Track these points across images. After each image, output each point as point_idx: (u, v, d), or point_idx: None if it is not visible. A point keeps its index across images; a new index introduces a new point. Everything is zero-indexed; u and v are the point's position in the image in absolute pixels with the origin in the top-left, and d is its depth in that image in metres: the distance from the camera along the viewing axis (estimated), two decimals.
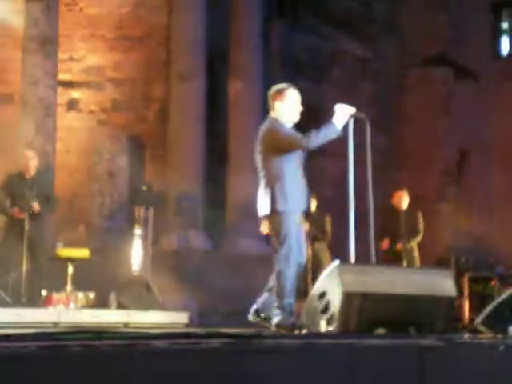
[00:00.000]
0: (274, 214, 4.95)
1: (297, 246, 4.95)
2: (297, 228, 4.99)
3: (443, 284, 4.75)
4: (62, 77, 10.13)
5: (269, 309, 5.00)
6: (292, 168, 5.00)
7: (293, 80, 12.09)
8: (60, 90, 10.06)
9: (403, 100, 13.00)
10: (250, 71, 10.68)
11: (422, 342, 3.66)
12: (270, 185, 4.97)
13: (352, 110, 5.05)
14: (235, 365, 3.16)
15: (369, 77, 13.08)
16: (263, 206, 5.01)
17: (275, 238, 4.99)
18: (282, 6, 11.86)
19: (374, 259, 4.98)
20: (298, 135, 5.02)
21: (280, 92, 5.09)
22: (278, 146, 4.98)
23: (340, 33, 12.64)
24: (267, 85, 11.14)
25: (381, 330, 4.38)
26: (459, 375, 3.68)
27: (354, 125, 5.35)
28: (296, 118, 5.13)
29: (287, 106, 5.06)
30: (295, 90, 5.12)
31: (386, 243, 8.20)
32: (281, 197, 4.92)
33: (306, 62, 12.38)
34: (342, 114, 5.03)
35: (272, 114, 5.13)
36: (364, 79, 13.01)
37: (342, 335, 4.14)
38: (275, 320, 4.88)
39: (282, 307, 4.86)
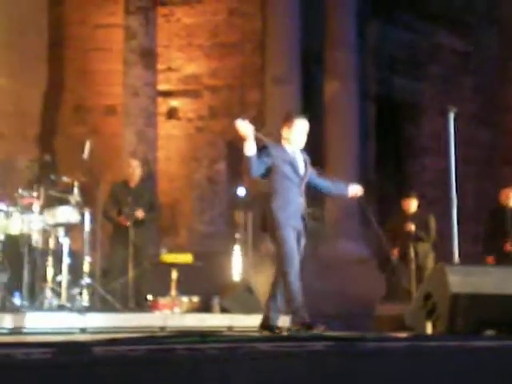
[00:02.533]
0: None
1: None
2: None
3: None
4: (161, 87, 10.38)
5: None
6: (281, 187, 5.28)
7: (389, 78, 12.00)
8: (159, 99, 10.32)
9: (506, 92, 12.56)
10: (345, 71, 10.60)
11: None
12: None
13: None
14: (339, 367, 3.13)
15: (469, 71, 12.73)
16: None
17: None
18: (376, 3, 11.71)
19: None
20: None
21: (289, 119, 5.40)
22: None
23: (437, 27, 12.36)
24: (363, 84, 11.11)
25: (490, 332, 4.24)
26: None
27: (455, 121, 5.22)
28: (300, 145, 5.40)
29: (293, 135, 5.36)
30: (304, 120, 5.42)
31: (490, 260, 7.86)
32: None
33: (403, 60, 12.17)
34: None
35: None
36: (464, 73, 12.67)
37: (450, 337, 4.04)
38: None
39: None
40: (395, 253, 8.04)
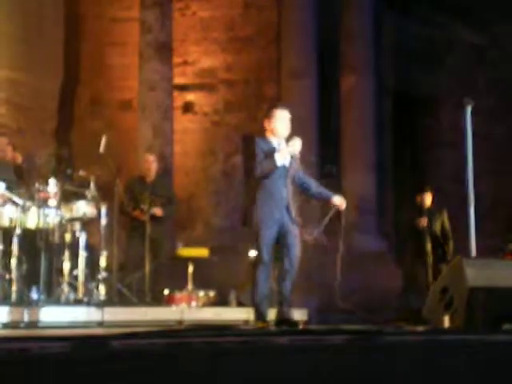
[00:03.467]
0: None
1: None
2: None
3: None
4: (177, 80, 10.39)
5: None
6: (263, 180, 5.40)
7: (406, 72, 11.92)
8: (175, 93, 10.32)
9: None
10: (362, 65, 10.55)
11: None
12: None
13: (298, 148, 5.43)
14: (356, 361, 3.13)
15: (486, 64, 12.63)
16: None
17: None
18: None
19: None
20: (258, 159, 5.42)
21: (269, 111, 5.59)
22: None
23: (454, 20, 12.27)
24: (379, 77, 11.04)
25: (508, 326, 4.21)
26: None
27: (473, 114, 5.17)
28: (284, 135, 5.49)
29: (274, 125, 5.49)
30: (284, 109, 5.57)
31: None
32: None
33: (419, 53, 12.10)
34: (290, 150, 5.41)
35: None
36: (481, 67, 12.58)
37: (467, 331, 4.02)
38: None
39: None
40: (423, 222, 7.97)
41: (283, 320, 5.30)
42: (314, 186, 5.67)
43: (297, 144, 5.42)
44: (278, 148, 5.41)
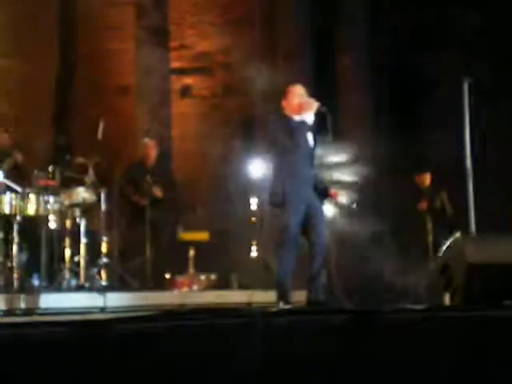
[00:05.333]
0: None
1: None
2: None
3: None
4: (173, 64, 10.35)
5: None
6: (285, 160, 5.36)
7: (402, 52, 11.87)
8: (173, 77, 10.29)
9: None
10: (357, 45, 10.50)
11: None
12: None
13: (316, 104, 5.39)
14: (356, 340, 3.14)
15: (484, 44, 12.57)
16: None
17: None
18: None
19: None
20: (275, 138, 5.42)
21: (284, 91, 5.58)
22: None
23: (451, 0, 12.20)
24: (375, 58, 10.99)
25: (509, 302, 4.22)
26: None
27: (470, 93, 5.17)
28: (305, 112, 5.41)
29: (290, 103, 5.47)
30: (298, 85, 5.59)
31: None
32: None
33: (416, 33, 12.04)
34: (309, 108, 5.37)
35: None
36: (479, 47, 12.52)
37: (467, 308, 4.03)
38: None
39: None
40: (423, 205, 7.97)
41: (313, 303, 5.17)
42: (318, 175, 5.64)
43: (313, 103, 5.35)
44: (297, 127, 5.30)
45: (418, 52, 11.79)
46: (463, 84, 5.34)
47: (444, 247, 4.50)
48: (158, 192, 7.75)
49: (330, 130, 5.24)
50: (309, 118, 5.33)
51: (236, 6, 10.76)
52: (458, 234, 4.45)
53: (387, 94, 11.54)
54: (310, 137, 5.36)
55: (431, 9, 12.04)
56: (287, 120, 5.36)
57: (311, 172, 5.35)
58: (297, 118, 5.36)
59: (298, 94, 5.46)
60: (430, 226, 7.90)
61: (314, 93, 10.13)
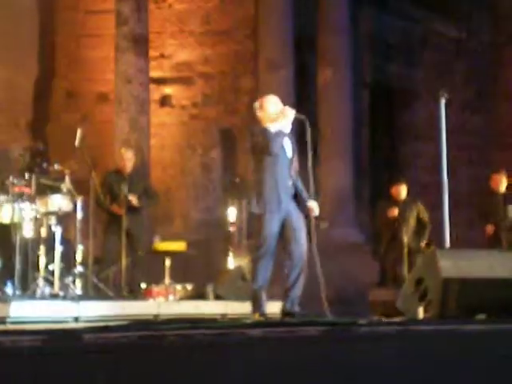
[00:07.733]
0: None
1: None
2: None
3: None
4: (153, 74, 10.33)
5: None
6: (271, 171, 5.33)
7: (383, 65, 11.97)
8: (152, 86, 10.27)
9: (500, 79, 12.55)
10: (339, 57, 10.56)
11: None
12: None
13: (292, 112, 5.38)
14: (331, 352, 3.13)
15: (462, 57, 12.71)
16: None
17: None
18: None
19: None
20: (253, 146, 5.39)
21: (258, 102, 5.54)
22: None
23: (431, 14, 12.32)
24: (357, 71, 11.06)
25: (481, 316, 4.24)
26: None
27: (448, 106, 5.21)
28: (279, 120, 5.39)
29: (263, 113, 5.43)
30: (271, 95, 5.55)
31: (490, 229, 7.94)
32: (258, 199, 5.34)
33: (397, 46, 12.14)
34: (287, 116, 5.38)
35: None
36: (457, 60, 12.65)
37: (442, 321, 4.04)
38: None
39: None
40: (393, 212, 7.99)
41: (287, 313, 5.11)
42: (300, 184, 5.57)
43: (289, 111, 5.34)
44: (273, 135, 5.30)
45: (398, 65, 11.90)
46: (440, 98, 5.38)
47: (419, 260, 4.52)
48: (134, 201, 7.70)
49: (309, 143, 5.24)
50: (286, 126, 5.32)
51: (217, 16, 10.78)
52: (432, 248, 4.47)
53: (368, 105, 11.62)
54: (288, 146, 5.35)
55: (413, 22, 12.17)
56: (265, 129, 5.35)
57: (290, 181, 5.33)
58: (274, 127, 5.35)
59: (273, 102, 5.46)
60: (405, 238, 7.92)
61: (295, 103, 10.28)
